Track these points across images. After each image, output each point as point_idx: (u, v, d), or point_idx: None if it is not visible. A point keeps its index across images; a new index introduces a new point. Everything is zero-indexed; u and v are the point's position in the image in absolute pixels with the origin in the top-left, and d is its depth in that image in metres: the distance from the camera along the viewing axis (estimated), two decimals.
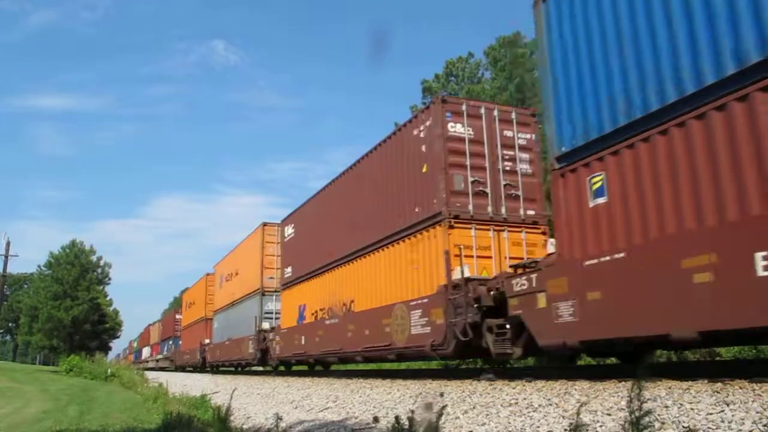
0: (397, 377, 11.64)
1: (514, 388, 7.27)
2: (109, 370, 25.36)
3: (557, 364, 11.24)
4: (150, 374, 29.39)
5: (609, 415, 4.98)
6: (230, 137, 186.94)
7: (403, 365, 15.76)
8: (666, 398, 5.13)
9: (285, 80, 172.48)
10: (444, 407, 4.09)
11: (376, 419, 6.98)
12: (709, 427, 4.28)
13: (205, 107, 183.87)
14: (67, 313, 48.10)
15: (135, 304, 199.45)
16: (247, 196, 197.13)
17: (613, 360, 9.86)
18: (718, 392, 5.01)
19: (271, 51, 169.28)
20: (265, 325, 20.66)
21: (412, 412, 4.06)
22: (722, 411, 4.50)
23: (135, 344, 79.48)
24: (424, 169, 11.16)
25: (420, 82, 39.34)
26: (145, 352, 63.54)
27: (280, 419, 6.23)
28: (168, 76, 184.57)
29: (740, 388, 5.08)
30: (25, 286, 77.12)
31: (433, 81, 39.15)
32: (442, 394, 5.38)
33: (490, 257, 10.69)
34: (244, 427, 8.49)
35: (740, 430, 4.11)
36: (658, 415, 4.78)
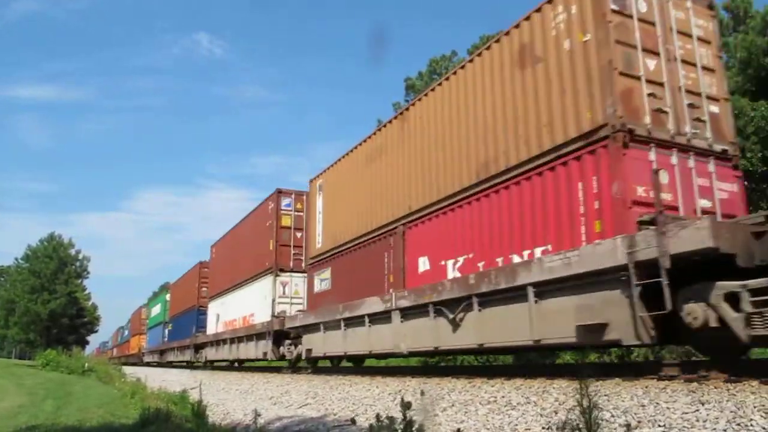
0: (377, 375, 11.62)
1: (492, 386, 7.29)
2: (86, 365, 25.05)
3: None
4: (127, 369, 29.07)
5: None
6: (214, 131, 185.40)
7: (382, 362, 15.72)
8: (642, 397, 5.18)
9: (271, 74, 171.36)
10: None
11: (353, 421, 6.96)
12: (684, 426, 4.32)
13: (190, 100, 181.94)
14: (45, 307, 47.47)
15: (115, 299, 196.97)
16: (230, 190, 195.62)
17: (592, 358, 9.90)
18: (693, 392, 5.06)
19: (258, 45, 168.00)
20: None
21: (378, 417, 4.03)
22: (697, 410, 4.55)
23: (148, 312, 46.92)
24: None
25: (404, 79, 39.47)
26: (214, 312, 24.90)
27: (259, 415, 6.18)
28: (152, 67, 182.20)
29: (715, 387, 5.14)
30: (2, 278, 75.93)
31: (416, 79, 39.23)
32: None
33: None
34: (223, 423, 8.43)
35: (714, 428, 4.16)
36: (635, 413, 4.83)
